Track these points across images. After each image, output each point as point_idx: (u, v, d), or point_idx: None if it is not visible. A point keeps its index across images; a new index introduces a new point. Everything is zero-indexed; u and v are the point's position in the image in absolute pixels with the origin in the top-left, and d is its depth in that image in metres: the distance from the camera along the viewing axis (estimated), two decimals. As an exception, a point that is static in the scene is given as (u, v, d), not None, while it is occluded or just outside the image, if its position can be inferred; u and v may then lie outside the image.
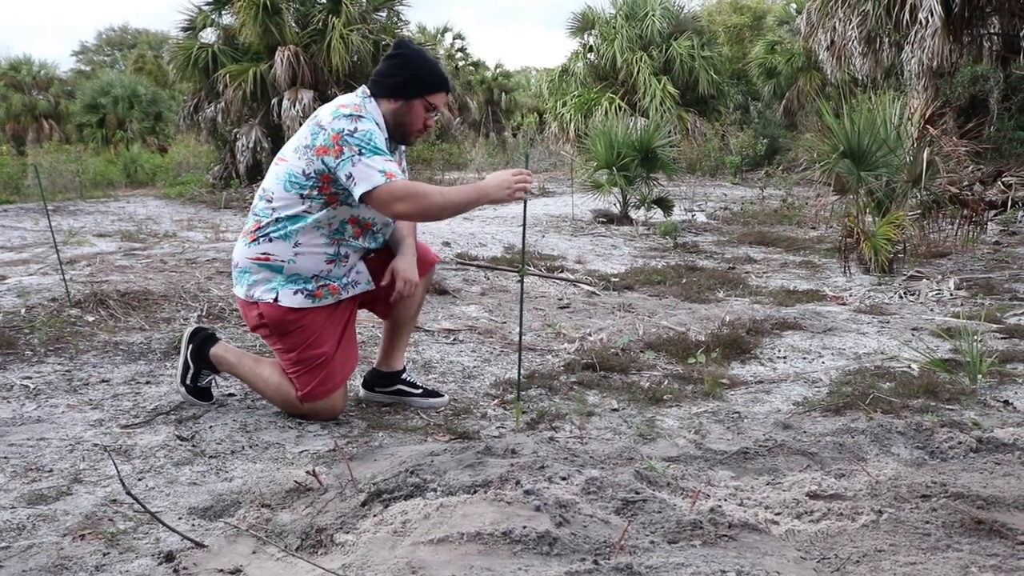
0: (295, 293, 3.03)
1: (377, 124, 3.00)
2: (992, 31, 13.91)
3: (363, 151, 2.85)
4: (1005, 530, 2.13)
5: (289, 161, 2.99)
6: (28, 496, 2.45)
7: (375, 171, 2.83)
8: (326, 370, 3.10)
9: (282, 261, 3.02)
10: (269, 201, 3.02)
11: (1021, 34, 11.64)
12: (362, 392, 3.49)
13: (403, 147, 3.26)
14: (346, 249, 3.09)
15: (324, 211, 2.99)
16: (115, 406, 3.29)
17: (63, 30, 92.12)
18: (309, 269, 3.04)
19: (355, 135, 2.87)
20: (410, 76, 3.04)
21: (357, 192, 2.85)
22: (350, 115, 2.92)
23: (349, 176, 2.86)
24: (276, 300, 3.02)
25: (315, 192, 2.95)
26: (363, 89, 3.09)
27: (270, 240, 3.01)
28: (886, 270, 6.87)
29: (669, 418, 3.34)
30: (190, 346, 3.26)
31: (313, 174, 2.93)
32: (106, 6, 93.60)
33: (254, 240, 3.03)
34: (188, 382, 3.26)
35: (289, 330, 3.06)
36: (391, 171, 2.86)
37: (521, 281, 3.32)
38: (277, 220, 3.00)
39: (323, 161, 2.89)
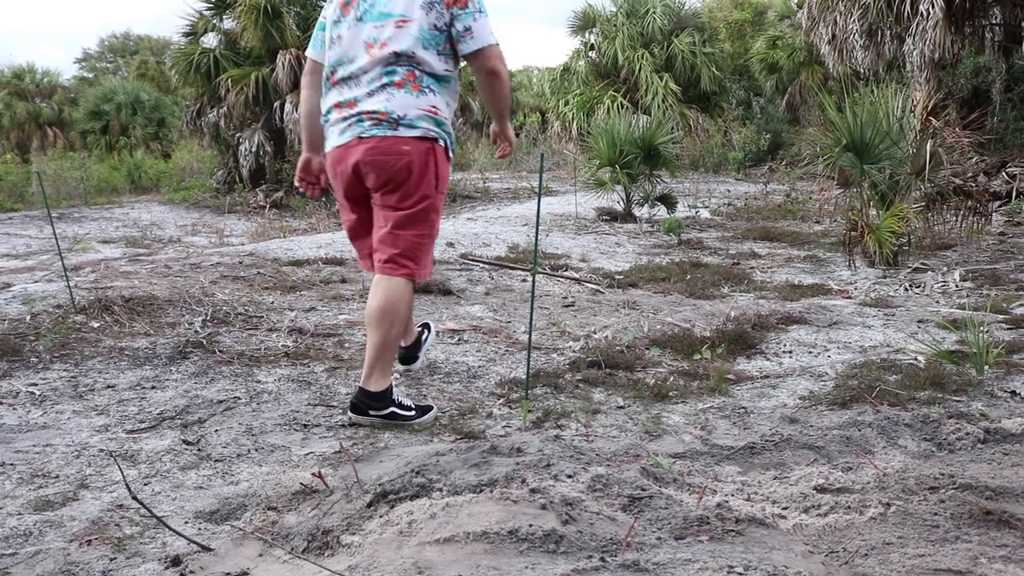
0: (447, 151, 3.14)
1: None
2: (994, 22, 13.88)
3: (482, 9, 3.02)
4: (1014, 520, 2.12)
5: (417, 19, 2.98)
6: (35, 502, 2.45)
7: (489, 31, 3.02)
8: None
9: (445, 118, 3.09)
10: (411, 61, 3.00)
11: (1023, 24, 11.59)
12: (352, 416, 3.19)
13: None
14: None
15: (456, 70, 3.11)
16: (121, 411, 3.29)
17: (64, 35, 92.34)
18: (450, 130, 3.14)
19: None
20: None
21: (470, 47, 3.00)
22: None
23: (467, 29, 2.98)
24: (446, 150, 3.12)
25: (447, 48, 3.04)
26: None
27: (434, 93, 3.04)
28: (891, 263, 6.85)
29: (675, 414, 3.34)
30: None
31: (444, 27, 3.00)
32: (107, 8, 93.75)
33: (419, 91, 3.02)
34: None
35: (442, 190, 3.15)
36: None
37: (532, 279, 3.32)
38: (430, 75, 3.03)
39: (451, 12, 2.98)
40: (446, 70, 3.05)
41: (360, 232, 3.30)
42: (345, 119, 3.06)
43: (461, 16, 2.97)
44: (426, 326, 3.78)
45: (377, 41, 3.00)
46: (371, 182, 3.07)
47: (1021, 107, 14.98)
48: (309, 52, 3.26)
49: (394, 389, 3.19)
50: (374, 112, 3.00)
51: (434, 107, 3.03)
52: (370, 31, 3.02)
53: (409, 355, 3.67)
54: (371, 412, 3.13)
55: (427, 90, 3.02)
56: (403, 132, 2.99)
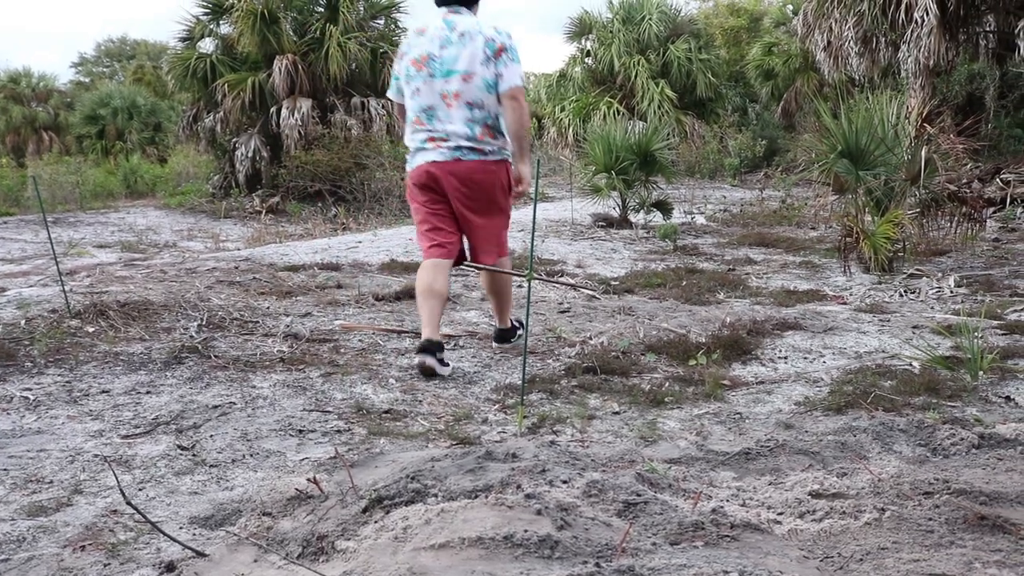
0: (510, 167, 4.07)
1: None
2: (987, 29, 13.92)
3: (514, 59, 3.86)
4: (1008, 525, 2.13)
5: (479, 73, 3.82)
6: (28, 508, 2.44)
7: (518, 76, 3.87)
8: None
9: (508, 148, 3.99)
10: (482, 107, 3.86)
11: (1016, 31, 11.63)
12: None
13: None
14: None
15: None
16: (115, 416, 3.29)
17: (62, 35, 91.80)
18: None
19: (513, 46, 3.87)
20: None
21: (502, 88, 3.82)
22: (508, 34, 3.87)
23: (499, 74, 3.81)
24: (510, 166, 4.04)
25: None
26: None
27: (501, 135, 3.95)
28: (886, 269, 6.86)
29: (670, 420, 3.34)
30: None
31: (494, 75, 3.82)
32: (106, 8, 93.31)
33: (493, 136, 3.93)
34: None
35: (510, 195, 4.10)
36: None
37: (528, 285, 3.32)
38: (497, 118, 3.90)
39: (496, 62, 3.81)
40: (499, 107, 3.87)
41: (436, 227, 4.03)
42: (443, 146, 3.88)
43: (498, 63, 3.81)
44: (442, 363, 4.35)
45: (450, 93, 3.84)
46: (465, 193, 3.93)
47: (1015, 113, 15.05)
48: (391, 95, 4.16)
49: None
50: (468, 146, 3.88)
51: (503, 144, 3.98)
52: (442, 85, 3.85)
53: (434, 355, 4.01)
54: (510, 340, 4.45)
55: (497, 134, 3.95)
56: (490, 157, 3.94)
